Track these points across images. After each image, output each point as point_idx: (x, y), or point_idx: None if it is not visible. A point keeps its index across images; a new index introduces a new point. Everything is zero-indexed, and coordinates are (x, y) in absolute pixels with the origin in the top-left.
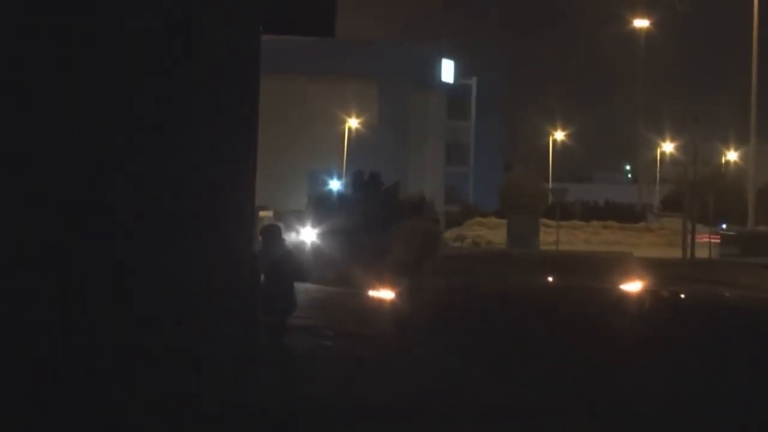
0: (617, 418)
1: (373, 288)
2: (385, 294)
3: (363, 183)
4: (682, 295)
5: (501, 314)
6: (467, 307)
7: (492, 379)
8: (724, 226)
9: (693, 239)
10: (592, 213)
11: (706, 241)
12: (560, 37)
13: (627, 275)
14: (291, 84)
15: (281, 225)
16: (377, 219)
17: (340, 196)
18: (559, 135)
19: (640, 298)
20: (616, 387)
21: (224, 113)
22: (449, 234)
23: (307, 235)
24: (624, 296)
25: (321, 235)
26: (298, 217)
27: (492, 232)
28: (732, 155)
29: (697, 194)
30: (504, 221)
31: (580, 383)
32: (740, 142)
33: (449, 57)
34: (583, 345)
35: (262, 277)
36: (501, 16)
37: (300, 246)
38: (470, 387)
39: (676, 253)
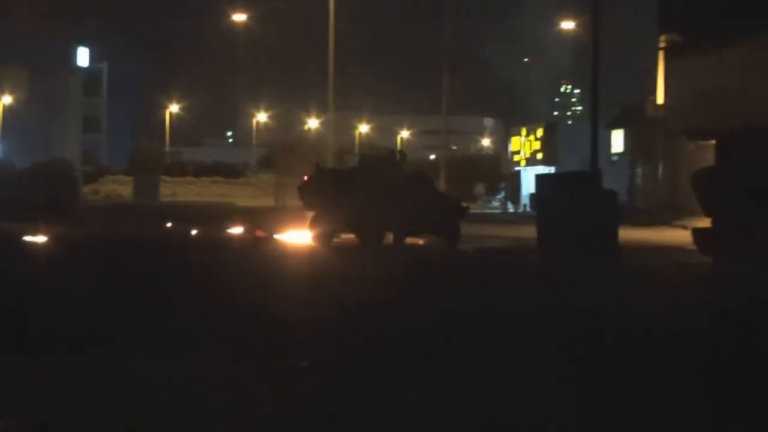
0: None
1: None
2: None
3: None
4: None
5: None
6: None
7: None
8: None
9: (284, 190)
10: (202, 171)
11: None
12: (180, 26)
13: (232, 220)
14: None
15: None
16: None
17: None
18: (176, 108)
19: (243, 239)
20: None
21: None
22: (86, 189)
23: None
24: (231, 238)
25: None
26: None
27: (122, 188)
28: (314, 123)
29: (287, 154)
30: (131, 178)
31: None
32: (321, 113)
33: (85, 44)
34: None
35: None
36: (133, 8)
37: None
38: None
39: (270, 202)
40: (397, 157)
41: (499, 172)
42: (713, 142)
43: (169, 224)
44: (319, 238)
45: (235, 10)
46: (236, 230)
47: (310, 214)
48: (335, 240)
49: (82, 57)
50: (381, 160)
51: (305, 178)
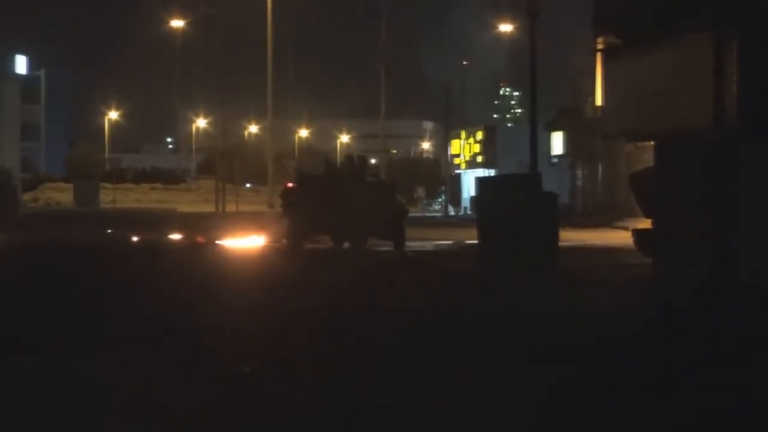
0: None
1: None
2: None
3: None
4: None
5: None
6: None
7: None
8: (248, 185)
9: (224, 196)
10: (142, 177)
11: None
12: (118, 35)
13: (173, 226)
14: None
15: None
16: None
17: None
18: (114, 115)
19: (184, 245)
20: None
21: None
22: (26, 197)
23: None
24: (171, 243)
25: None
26: None
27: (61, 195)
28: (253, 128)
29: (226, 160)
30: (71, 185)
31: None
32: (260, 118)
33: (23, 52)
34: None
35: None
36: (72, 16)
37: None
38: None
39: (210, 208)
40: (355, 161)
41: (440, 175)
42: (651, 143)
43: (109, 231)
44: (295, 241)
45: (173, 16)
46: (176, 236)
47: (270, 219)
48: (310, 243)
49: (20, 65)
50: (344, 165)
51: (289, 185)
